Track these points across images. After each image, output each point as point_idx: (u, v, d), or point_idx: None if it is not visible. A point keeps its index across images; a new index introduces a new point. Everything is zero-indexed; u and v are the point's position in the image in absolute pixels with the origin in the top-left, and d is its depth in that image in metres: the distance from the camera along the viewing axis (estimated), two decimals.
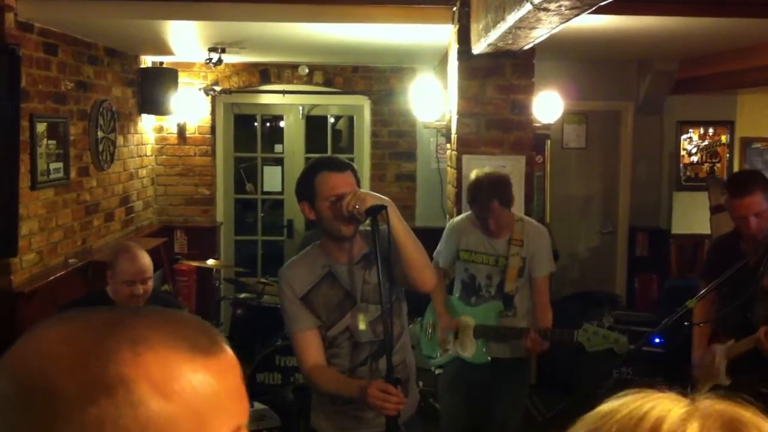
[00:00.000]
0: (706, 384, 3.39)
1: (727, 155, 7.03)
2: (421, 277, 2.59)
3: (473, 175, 3.63)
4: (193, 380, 0.69)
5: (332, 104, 7.40)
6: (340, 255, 2.65)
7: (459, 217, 3.90)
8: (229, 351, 0.75)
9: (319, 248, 2.70)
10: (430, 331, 3.89)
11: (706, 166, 7.05)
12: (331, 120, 7.57)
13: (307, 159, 7.11)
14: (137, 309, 0.77)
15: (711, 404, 0.70)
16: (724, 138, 7.02)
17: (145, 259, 3.34)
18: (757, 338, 3.11)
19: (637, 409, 0.71)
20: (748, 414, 0.70)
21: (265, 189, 7.43)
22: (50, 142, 4.55)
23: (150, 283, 3.36)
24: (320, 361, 2.61)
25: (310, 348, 2.61)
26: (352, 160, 7.24)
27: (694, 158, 7.04)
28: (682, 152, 7.04)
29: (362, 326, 2.64)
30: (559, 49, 5.26)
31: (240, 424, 0.74)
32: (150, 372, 0.67)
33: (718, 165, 7.04)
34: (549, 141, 6.51)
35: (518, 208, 4.21)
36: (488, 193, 3.49)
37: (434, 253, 3.78)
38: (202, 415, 0.69)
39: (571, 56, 6.28)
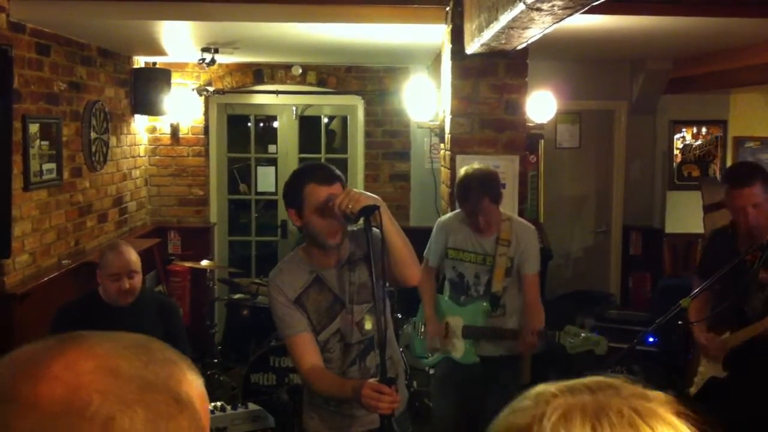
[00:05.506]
0: (705, 374, 3.41)
1: (720, 154, 7.06)
2: (408, 272, 2.63)
3: (462, 171, 3.62)
4: (205, 397, 0.81)
5: (326, 104, 7.40)
6: (326, 260, 2.67)
7: (447, 215, 3.89)
8: None
9: (304, 253, 2.71)
10: (422, 330, 3.89)
11: (699, 166, 7.08)
12: (325, 120, 7.56)
13: (300, 159, 7.10)
14: (135, 335, 0.81)
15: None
16: (717, 137, 7.05)
17: (131, 254, 3.35)
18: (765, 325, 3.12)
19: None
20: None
21: (259, 189, 7.41)
22: (43, 143, 4.53)
23: (137, 279, 3.35)
24: (318, 363, 2.63)
25: (307, 350, 2.62)
26: (345, 160, 7.26)
27: (687, 157, 7.07)
28: (675, 151, 7.06)
29: (368, 326, 2.67)
30: (552, 48, 5.27)
31: None
32: (200, 391, 0.78)
33: (711, 164, 7.06)
34: (542, 141, 6.52)
35: (512, 207, 4.21)
36: (479, 190, 3.48)
37: (424, 252, 3.78)
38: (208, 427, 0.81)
39: (564, 56, 6.29)
